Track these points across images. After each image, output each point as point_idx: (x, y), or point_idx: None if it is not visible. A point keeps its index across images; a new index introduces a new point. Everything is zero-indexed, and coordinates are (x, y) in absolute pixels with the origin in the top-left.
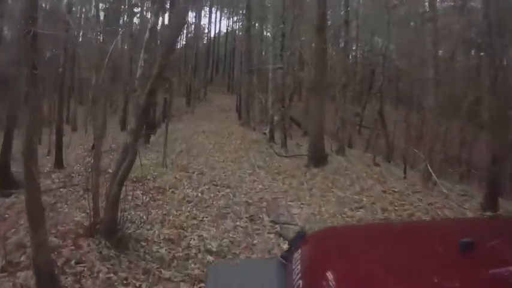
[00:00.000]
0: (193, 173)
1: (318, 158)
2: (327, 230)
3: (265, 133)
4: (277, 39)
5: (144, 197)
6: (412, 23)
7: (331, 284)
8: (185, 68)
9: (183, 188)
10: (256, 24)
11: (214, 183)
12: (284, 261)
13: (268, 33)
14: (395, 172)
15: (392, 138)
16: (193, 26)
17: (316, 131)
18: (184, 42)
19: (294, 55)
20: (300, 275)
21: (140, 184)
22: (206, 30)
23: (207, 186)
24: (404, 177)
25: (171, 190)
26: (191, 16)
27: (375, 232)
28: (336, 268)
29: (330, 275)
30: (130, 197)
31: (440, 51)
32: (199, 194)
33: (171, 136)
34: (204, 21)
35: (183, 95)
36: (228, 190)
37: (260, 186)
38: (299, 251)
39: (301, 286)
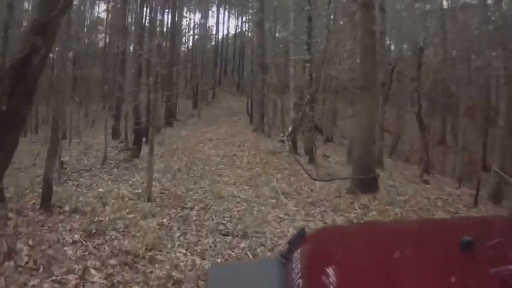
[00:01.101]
0: (192, 208)
1: (366, 181)
2: (327, 229)
3: (283, 141)
4: (303, 24)
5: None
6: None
7: (331, 283)
8: (192, 68)
9: (171, 246)
10: (267, 24)
11: (223, 229)
12: (284, 261)
13: (278, 34)
14: (452, 192)
15: (413, 144)
16: (200, 27)
17: (364, 144)
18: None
19: (329, 42)
20: (300, 274)
21: (99, 241)
22: (214, 32)
23: (211, 239)
24: (475, 205)
25: (148, 256)
26: (198, 17)
27: (375, 231)
28: (336, 267)
29: (330, 274)
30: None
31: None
32: (198, 261)
33: (170, 146)
34: (212, 21)
35: (189, 97)
36: (244, 244)
37: (291, 230)
38: (299, 250)
39: (301, 285)
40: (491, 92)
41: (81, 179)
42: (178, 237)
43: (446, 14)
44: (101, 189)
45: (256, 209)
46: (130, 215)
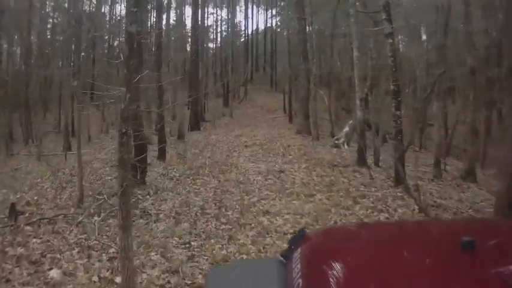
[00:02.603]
0: None
1: None
2: (327, 229)
3: (337, 145)
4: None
5: None
6: None
7: (330, 283)
8: (221, 64)
9: None
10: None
11: None
12: (284, 260)
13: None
14: None
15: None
16: (229, 23)
17: None
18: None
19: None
20: (299, 274)
21: None
22: (243, 27)
23: None
24: None
25: None
26: (225, 12)
27: (375, 232)
28: (336, 267)
29: (329, 274)
30: None
31: None
32: None
33: (194, 161)
34: (240, 17)
35: (219, 95)
36: None
37: None
38: (299, 250)
39: (300, 285)
40: None
41: (33, 239)
42: None
43: None
44: (52, 273)
45: None
46: None
